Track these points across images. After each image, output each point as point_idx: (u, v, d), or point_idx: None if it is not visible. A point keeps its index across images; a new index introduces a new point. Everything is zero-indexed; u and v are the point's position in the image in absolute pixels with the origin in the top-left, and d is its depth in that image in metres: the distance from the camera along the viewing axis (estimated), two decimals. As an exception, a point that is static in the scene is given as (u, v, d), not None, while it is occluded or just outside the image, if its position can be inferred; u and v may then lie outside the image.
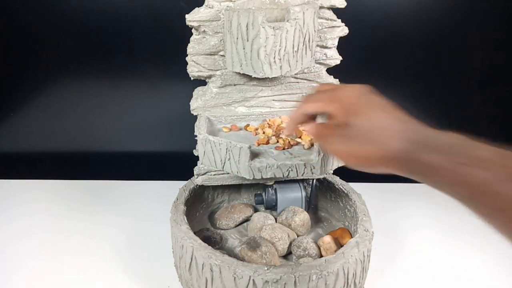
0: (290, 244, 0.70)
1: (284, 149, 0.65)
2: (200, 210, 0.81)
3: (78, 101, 1.01)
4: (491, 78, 0.99)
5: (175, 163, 0.91)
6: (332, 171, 0.66)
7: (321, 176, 0.74)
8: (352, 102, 0.45)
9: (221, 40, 0.68)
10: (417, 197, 0.95)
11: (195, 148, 0.73)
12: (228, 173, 0.68)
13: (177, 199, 0.72)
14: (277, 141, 0.67)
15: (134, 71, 0.97)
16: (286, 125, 0.55)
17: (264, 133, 0.69)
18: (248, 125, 0.72)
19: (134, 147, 1.06)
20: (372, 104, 0.44)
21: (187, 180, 0.77)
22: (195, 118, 0.73)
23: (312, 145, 0.66)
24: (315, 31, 0.65)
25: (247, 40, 0.61)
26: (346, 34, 0.71)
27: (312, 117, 0.51)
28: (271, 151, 0.65)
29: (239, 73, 0.68)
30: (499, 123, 1.03)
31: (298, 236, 0.73)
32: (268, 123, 0.71)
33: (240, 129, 0.72)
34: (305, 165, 0.61)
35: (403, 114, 0.43)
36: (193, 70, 0.70)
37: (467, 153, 0.36)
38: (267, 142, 0.66)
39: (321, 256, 0.69)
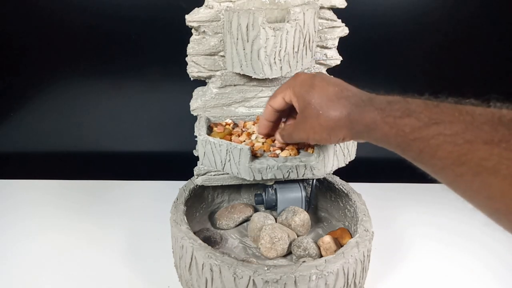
0: (290, 244, 0.71)
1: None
2: (200, 210, 0.81)
3: (78, 101, 1.01)
4: (492, 77, 0.99)
5: (175, 163, 0.91)
6: (332, 172, 0.66)
7: (321, 177, 0.74)
8: (305, 84, 0.51)
9: (221, 41, 0.68)
10: (417, 197, 0.95)
11: (195, 148, 0.73)
12: (228, 174, 0.68)
13: (177, 199, 0.72)
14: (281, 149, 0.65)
15: (134, 71, 0.97)
16: (259, 126, 0.60)
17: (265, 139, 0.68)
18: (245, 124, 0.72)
19: (134, 147, 1.07)
20: (321, 83, 0.50)
21: (187, 180, 0.77)
22: (195, 118, 0.73)
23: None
24: (315, 31, 0.65)
25: (247, 41, 0.61)
26: (347, 34, 0.71)
27: (283, 113, 0.58)
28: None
29: (239, 73, 0.68)
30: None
31: (298, 236, 0.73)
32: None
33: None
34: (305, 166, 0.61)
35: (348, 86, 0.49)
36: (193, 71, 0.70)
37: (399, 107, 0.40)
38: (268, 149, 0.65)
39: (321, 256, 0.69)
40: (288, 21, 0.60)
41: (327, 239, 0.69)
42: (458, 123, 0.35)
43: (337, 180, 0.79)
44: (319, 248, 0.70)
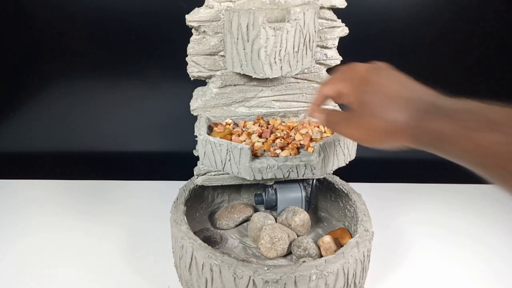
0: (290, 244, 0.71)
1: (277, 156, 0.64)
2: (200, 210, 0.81)
3: (78, 101, 1.01)
4: (492, 76, 0.99)
5: (175, 163, 0.91)
6: (332, 171, 0.66)
7: (321, 177, 0.74)
8: (361, 79, 0.45)
9: (221, 41, 0.68)
10: (417, 197, 0.95)
11: (195, 148, 0.73)
12: (228, 174, 0.68)
13: (177, 199, 0.72)
14: (281, 149, 0.65)
15: (134, 71, 0.97)
16: (309, 108, 0.55)
17: (265, 139, 0.68)
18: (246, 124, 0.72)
19: (134, 147, 1.07)
20: (379, 78, 0.43)
21: (187, 180, 0.77)
22: (195, 118, 0.73)
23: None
24: (315, 31, 0.65)
25: (248, 41, 0.61)
26: (347, 34, 0.71)
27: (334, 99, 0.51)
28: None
29: (239, 73, 0.68)
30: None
31: (298, 236, 0.73)
32: (262, 128, 0.70)
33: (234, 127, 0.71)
34: (305, 166, 0.61)
35: (413, 85, 0.42)
36: (193, 71, 0.70)
37: (477, 117, 0.34)
38: (268, 149, 0.65)
39: (321, 256, 0.69)
40: (288, 21, 0.60)
41: (327, 239, 0.69)
42: None
43: (337, 180, 0.79)
44: (319, 248, 0.70)
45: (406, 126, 0.39)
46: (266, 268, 0.56)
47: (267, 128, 0.70)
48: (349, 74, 0.47)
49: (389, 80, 0.43)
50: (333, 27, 0.70)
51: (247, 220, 0.80)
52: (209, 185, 0.74)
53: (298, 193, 0.76)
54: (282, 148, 0.65)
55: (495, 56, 0.98)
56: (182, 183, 0.77)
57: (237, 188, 0.84)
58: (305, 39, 0.63)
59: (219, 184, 0.74)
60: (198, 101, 0.72)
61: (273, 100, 0.74)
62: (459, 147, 0.35)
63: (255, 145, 0.65)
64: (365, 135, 0.44)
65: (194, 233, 0.64)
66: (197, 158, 0.71)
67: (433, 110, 0.38)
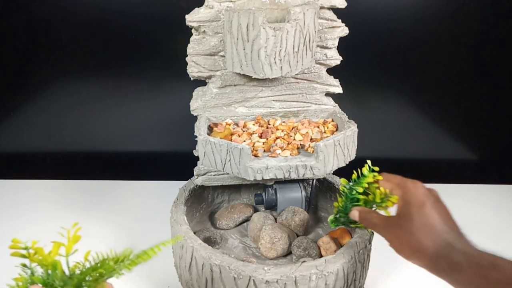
0: (290, 244, 0.71)
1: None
2: (200, 210, 0.81)
3: (78, 101, 1.01)
4: (491, 76, 0.99)
5: (175, 163, 0.91)
6: (332, 171, 0.66)
7: (321, 177, 0.74)
8: (417, 196, 0.52)
9: (221, 41, 0.68)
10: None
11: (195, 148, 0.73)
12: (228, 174, 0.68)
13: (177, 199, 0.72)
14: (281, 149, 0.65)
15: (134, 71, 0.97)
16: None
17: (266, 139, 0.68)
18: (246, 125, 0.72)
19: (134, 147, 1.07)
20: (432, 209, 0.51)
21: (187, 180, 0.77)
22: (195, 118, 0.73)
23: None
24: (315, 31, 0.65)
25: (248, 41, 0.61)
26: (347, 34, 0.71)
27: None
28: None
29: (239, 73, 0.68)
30: (497, 121, 1.03)
31: (298, 236, 0.73)
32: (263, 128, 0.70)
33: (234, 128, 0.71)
34: (305, 166, 0.61)
35: (446, 220, 0.51)
36: (193, 71, 0.70)
37: (488, 258, 0.44)
38: (268, 149, 0.65)
39: (321, 256, 0.69)
40: (288, 21, 0.60)
41: (327, 239, 0.69)
42: None
43: (337, 180, 0.79)
44: (319, 248, 0.70)
45: (431, 251, 0.48)
46: (266, 268, 0.56)
47: (267, 128, 0.70)
48: (405, 185, 0.54)
49: (436, 211, 0.51)
50: (333, 27, 0.70)
51: (247, 220, 0.80)
52: (209, 185, 0.74)
53: (298, 193, 0.76)
54: (282, 148, 0.65)
55: (493, 56, 0.98)
56: (182, 183, 0.77)
57: (237, 188, 0.84)
58: (305, 39, 0.63)
59: (219, 184, 0.74)
60: (198, 101, 0.72)
61: (273, 100, 0.74)
62: (466, 277, 0.44)
63: (255, 145, 0.65)
64: (396, 244, 0.51)
65: (194, 233, 0.64)
66: (197, 158, 0.71)
67: (454, 244, 0.47)
